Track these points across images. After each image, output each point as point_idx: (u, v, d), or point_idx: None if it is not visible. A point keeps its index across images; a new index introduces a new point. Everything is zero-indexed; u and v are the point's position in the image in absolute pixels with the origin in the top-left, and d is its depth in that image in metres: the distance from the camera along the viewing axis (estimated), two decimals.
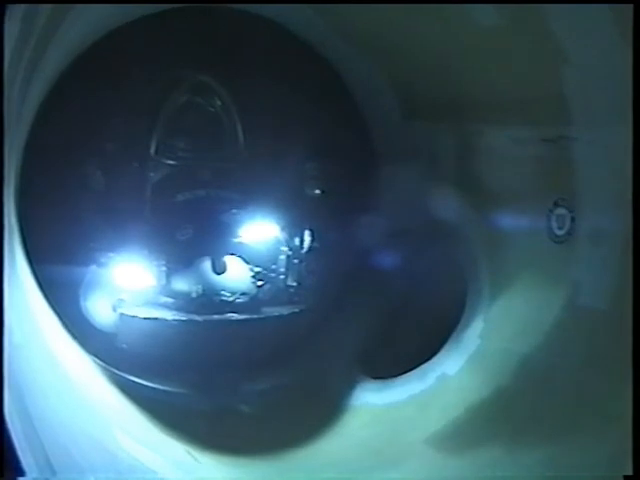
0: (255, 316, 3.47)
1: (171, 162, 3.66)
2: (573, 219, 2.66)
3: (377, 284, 3.84)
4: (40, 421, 1.85)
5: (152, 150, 3.64)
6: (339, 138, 3.85)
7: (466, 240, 3.31)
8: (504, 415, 2.72)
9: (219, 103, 3.73)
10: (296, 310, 3.58)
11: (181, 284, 3.55)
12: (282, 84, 3.75)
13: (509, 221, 3.04)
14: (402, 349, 3.51)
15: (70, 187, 3.53)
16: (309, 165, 3.73)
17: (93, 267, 3.54)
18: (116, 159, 3.64)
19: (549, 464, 2.39)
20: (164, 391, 3.33)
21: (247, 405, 3.42)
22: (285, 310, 3.56)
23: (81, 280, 3.53)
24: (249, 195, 3.72)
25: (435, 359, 3.21)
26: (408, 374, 3.25)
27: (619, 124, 2.35)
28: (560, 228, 2.71)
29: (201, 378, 3.40)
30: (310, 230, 3.69)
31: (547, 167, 2.78)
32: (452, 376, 3.10)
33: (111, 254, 3.52)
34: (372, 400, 3.29)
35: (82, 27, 2.96)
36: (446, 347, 3.21)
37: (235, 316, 3.43)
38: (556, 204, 2.72)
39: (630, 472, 1.97)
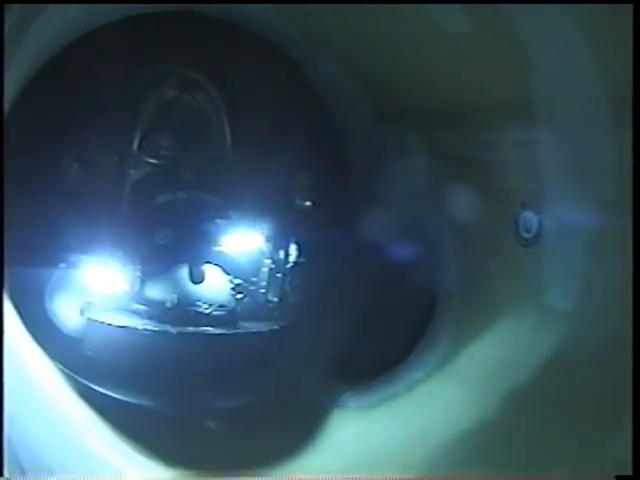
0: (232, 331, 3.25)
1: (153, 161, 3.47)
2: (540, 222, 2.69)
3: (353, 291, 3.75)
4: (9, 422, 1.86)
5: (135, 146, 3.45)
6: (330, 148, 3.70)
7: (436, 244, 3.32)
8: (475, 415, 2.74)
9: (208, 102, 3.55)
10: (275, 327, 3.37)
11: (155, 291, 3.32)
12: (269, 88, 3.66)
13: (478, 224, 3.04)
14: (374, 353, 3.47)
15: (43, 178, 3.33)
16: (301, 174, 3.54)
17: (62, 266, 3.34)
18: (96, 151, 3.45)
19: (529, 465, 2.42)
20: (131, 403, 3.14)
21: (219, 422, 3.30)
22: (264, 327, 3.35)
23: (48, 279, 3.34)
24: (233, 201, 3.52)
25: (405, 363, 3.23)
26: (379, 378, 3.26)
27: (585, 127, 2.42)
28: (527, 231, 2.74)
29: (169, 392, 3.20)
30: (297, 244, 3.48)
31: (514, 170, 2.81)
32: (422, 380, 3.11)
33: (82, 253, 3.30)
34: (345, 405, 3.27)
35: (63, 24, 2.88)
36: (416, 351, 3.24)
37: (211, 330, 3.21)
38: (523, 207, 2.76)
39: (630, 472, 1.98)
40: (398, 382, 3.20)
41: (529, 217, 2.75)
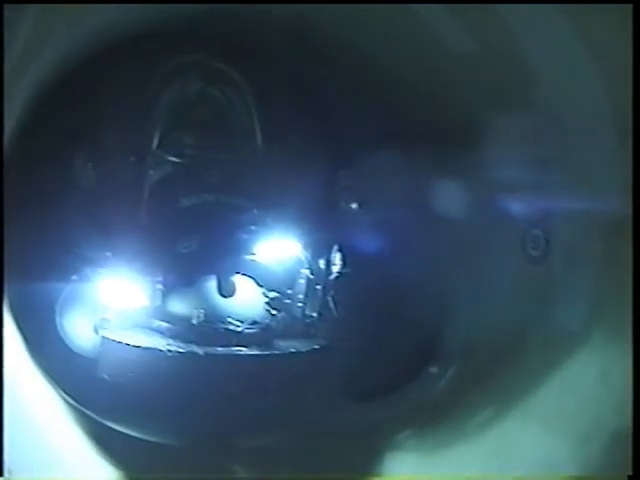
0: (267, 352, 2.90)
1: (175, 159, 3.15)
2: (548, 240, 2.74)
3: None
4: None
5: (154, 144, 3.14)
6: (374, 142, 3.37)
7: (444, 261, 3.30)
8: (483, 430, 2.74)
9: (236, 95, 3.25)
10: (316, 346, 3.02)
11: (180, 306, 2.99)
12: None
13: (485, 243, 3.07)
14: (383, 370, 3.32)
15: (53, 181, 3.08)
16: (342, 173, 3.18)
17: (74, 279, 3.03)
18: (110, 151, 3.17)
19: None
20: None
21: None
22: (303, 346, 3.00)
23: (58, 294, 3.03)
24: (266, 204, 3.19)
25: (414, 382, 3.18)
26: (390, 396, 3.17)
27: (591, 145, 2.45)
28: (535, 249, 2.79)
29: (194, 427, 2.86)
30: (341, 251, 3.13)
31: (521, 189, 2.85)
32: (431, 397, 3.09)
33: (97, 264, 3.00)
34: (353, 423, 3.11)
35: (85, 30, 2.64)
36: (425, 370, 3.20)
37: (243, 350, 2.86)
38: (531, 225, 2.80)
39: (630, 472, 2.04)
40: (405, 399, 3.14)
41: (537, 235, 2.78)
